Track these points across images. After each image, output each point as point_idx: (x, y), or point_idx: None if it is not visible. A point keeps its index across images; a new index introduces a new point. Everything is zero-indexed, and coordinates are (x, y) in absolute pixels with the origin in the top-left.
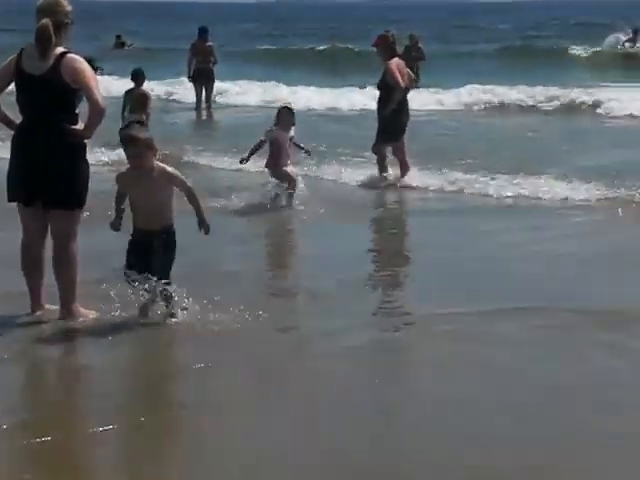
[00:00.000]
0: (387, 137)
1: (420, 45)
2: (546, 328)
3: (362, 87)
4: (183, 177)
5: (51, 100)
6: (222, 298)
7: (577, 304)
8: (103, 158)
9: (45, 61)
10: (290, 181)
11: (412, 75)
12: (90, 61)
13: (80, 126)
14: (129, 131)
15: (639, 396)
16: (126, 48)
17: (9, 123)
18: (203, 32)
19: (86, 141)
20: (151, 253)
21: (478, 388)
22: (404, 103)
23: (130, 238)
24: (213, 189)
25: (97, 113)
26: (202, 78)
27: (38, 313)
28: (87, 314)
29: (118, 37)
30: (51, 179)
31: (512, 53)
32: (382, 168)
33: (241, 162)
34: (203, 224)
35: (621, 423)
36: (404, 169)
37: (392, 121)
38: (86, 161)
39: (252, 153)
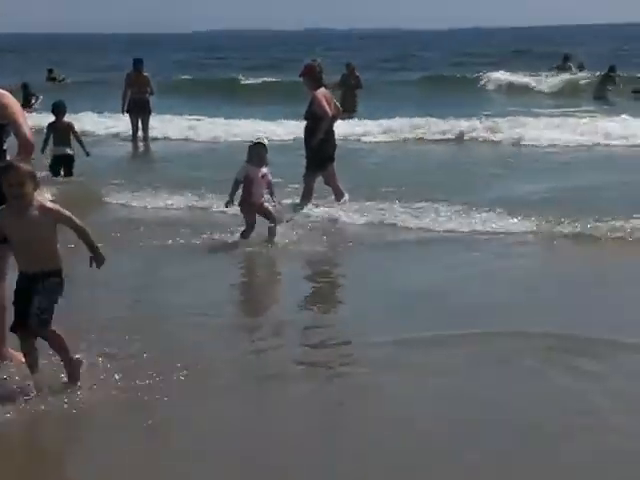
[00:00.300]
0: (316, 166)
1: (357, 73)
2: (481, 354)
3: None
4: (66, 212)
5: None
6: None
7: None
8: None
9: None
10: (268, 215)
11: (338, 105)
12: (26, 87)
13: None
14: (10, 161)
15: (569, 415)
16: (57, 82)
17: None
18: (138, 63)
19: None
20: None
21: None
22: (331, 132)
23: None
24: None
25: (26, 148)
26: (137, 109)
27: None
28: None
29: (50, 71)
30: None
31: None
32: (305, 197)
33: (226, 206)
34: (97, 258)
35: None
36: (338, 195)
37: (320, 150)
38: None
39: (232, 195)
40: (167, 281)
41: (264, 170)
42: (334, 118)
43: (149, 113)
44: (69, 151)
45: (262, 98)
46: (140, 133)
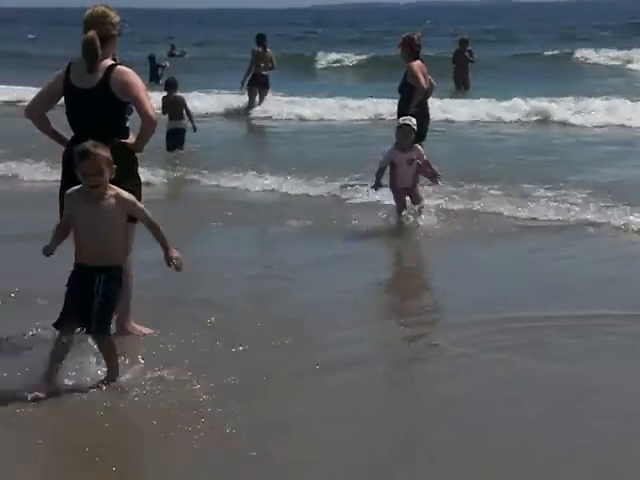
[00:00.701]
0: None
1: (470, 48)
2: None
3: None
4: (140, 204)
5: (101, 114)
6: None
7: None
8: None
9: (93, 75)
10: (414, 199)
11: (432, 81)
12: (152, 59)
13: (131, 139)
14: (88, 146)
15: None
16: (177, 57)
17: (60, 139)
18: (262, 38)
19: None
20: (91, 298)
21: None
22: (425, 105)
23: (69, 277)
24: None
25: (149, 126)
26: (258, 84)
27: None
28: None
29: (172, 47)
30: None
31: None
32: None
33: (374, 189)
34: (171, 259)
35: None
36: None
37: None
38: (138, 175)
39: (378, 179)
40: (317, 263)
41: (412, 154)
42: (428, 92)
43: (268, 88)
44: (181, 125)
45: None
46: (258, 108)
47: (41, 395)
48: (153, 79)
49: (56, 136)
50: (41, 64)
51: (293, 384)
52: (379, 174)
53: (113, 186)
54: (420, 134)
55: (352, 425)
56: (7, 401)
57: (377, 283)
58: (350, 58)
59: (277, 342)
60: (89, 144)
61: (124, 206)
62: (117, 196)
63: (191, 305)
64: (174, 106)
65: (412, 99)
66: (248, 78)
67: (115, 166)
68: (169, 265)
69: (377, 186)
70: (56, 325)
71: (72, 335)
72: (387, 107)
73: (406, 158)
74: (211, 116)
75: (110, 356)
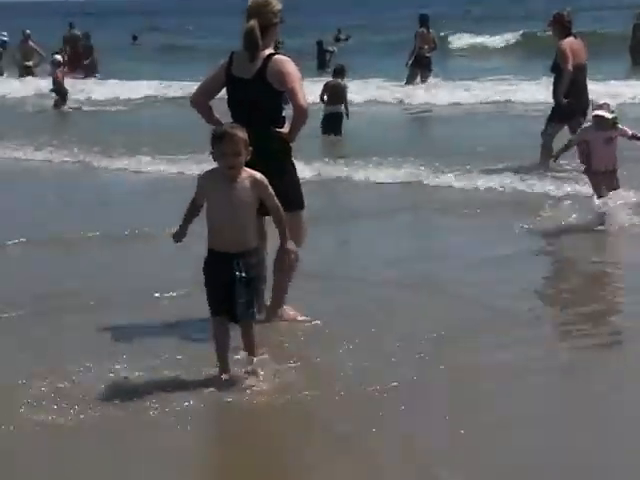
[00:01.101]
0: (558, 118)
1: None
2: None
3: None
4: (271, 190)
5: (259, 103)
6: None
7: None
8: None
9: (253, 64)
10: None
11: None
12: (320, 44)
13: (286, 128)
14: (226, 127)
15: None
16: (342, 42)
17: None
18: (425, 20)
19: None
20: (232, 284)
21: None
22: (579, 83)
23: (205, 264)
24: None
25: (300, 116)
26: (420, 65)
27: None
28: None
29: (339, 31)
30: None
31: None
32: (543, 156)
33: (554, 160)
34: (286, 252)
35: None
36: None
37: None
38: (292, 163)
39: (558, 153)
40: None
41: (609, 133)
42: (581, 69)
43: (430, 71)
44: (338, 109)
45: None
46: (421, 85)
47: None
48: (321, 66)
49: (218, 124)
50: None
51: None
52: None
53: (246, 168)
54: (569, 112)
55: None
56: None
57: None
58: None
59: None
60: (227, 125)
61: (258, 189)
62: (251, 177)
63: None
64: (334, 91)
65: (560, 82)
66: (411, 60)
67: (250, 148)
68: (283, 258)
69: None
70: (213, 313)
71: (228, 321)
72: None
73: (604, 136)
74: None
75: (251, 343)
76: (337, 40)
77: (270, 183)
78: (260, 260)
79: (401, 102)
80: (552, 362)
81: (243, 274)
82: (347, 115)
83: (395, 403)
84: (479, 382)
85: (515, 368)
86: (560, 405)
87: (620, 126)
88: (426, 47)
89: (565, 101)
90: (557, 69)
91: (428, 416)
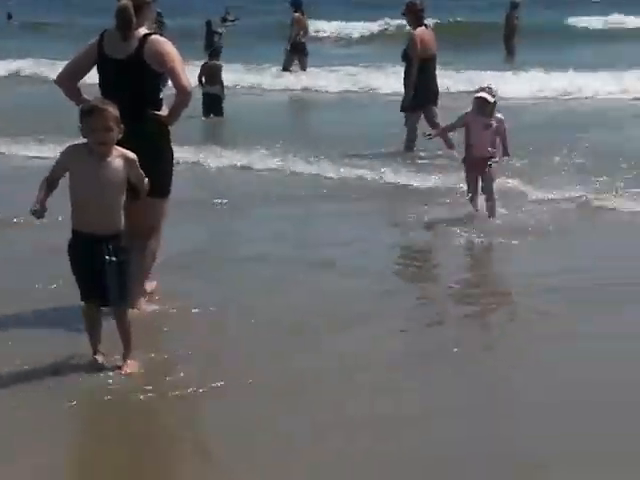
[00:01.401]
0: (415, 106)
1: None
2: None
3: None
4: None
5: (135, 85)
6: None
7: None
8: None
9: (127, 44)
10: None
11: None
12: (209, 25)
13: (164, 111)
14: (96, 101)
15: None
16: (229, 24)
17: None
18: (299, 3)
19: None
20: (102, 268)
21: None
22: (428, 72)
23: (69, 247)
24: None
25: (183, 97)
26: (298, 51)
27: None
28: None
29: (227, 12)
30: None
31: None
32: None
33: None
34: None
35: None
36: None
37: (418, 91)
38: (170, 148)
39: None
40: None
41: (492, 120)
42: (430, 59)
43: (306, 56)
44: (214, 90)
45: None
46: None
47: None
48: (209, 48)
49: None
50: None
51: None
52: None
53: (117, 147)
54: (423, 100)
55: None
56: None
57: None
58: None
59: None
60: (97, 100)
61: (129, 168)
62: (123, 156)
63: None
64: (211, 72)
65: (410, 71)
66: (289, 45)
67: (122, 126)
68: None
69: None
70: (83, 298)
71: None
72: None
73: (484, 122)
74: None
75: (127, 332)
76: (224, 21)
77: (142, 167)
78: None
79: (284, 88)
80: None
81: (113, 258)
82: (223, 96)
83: (291, 394)
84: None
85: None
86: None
87: (499, 115)
88: (301, 32)
89: (412, 93)
90: (407, 58)
91: (326, 405)
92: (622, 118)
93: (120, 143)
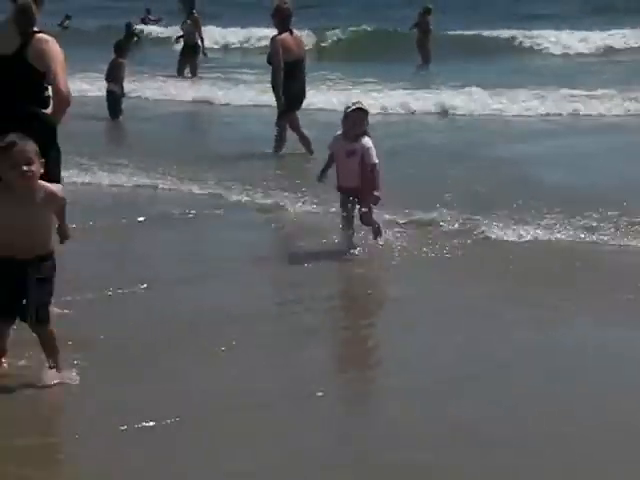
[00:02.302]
0: (286, 110)
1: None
2: None
3: None
4: (63, 199)
5: (19, 82)
6: None
7: None
8: None
9: (12, 41)
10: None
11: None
12: (129, 27)
13: (49, 110)
14: (12, 138)
15: None
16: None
17: None
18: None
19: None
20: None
21: None
22: (296, 75)
23: None
24: None
25: (60, 101)
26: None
27: None
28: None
29: (147, 12)
30: None
31: None
32: (278, 142)
33: (318, 180)
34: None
35: None
36: (304, 140)
37: (287, 94)
38: (57, 147)
39: (324, 169)
40: None
41: (355, 145)
42: (298, 61)
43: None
44: (110, 87)
45: None
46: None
47: None
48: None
49: None
50: None
51: None
52: (327, 164)
53: (41, 182)
54: (294, 102)
55: None
56: None
57: None
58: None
59: None
60: (14, 135)
61: (55, 202)
62: (48, 191)
63: None
64: (112, 69)
65: (272, 76)
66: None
67: (43, 160)
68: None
69: (320, 177)
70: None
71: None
72: None
73: (346, 149)
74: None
75: (53, 347)
76: (145, 22)
77: None
78: (54, 262)
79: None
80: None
81: (38, 276)
82: (123, 93)
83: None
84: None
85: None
86: None
87: (366, 141)
88: (196, 33)
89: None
90: (271, 63)
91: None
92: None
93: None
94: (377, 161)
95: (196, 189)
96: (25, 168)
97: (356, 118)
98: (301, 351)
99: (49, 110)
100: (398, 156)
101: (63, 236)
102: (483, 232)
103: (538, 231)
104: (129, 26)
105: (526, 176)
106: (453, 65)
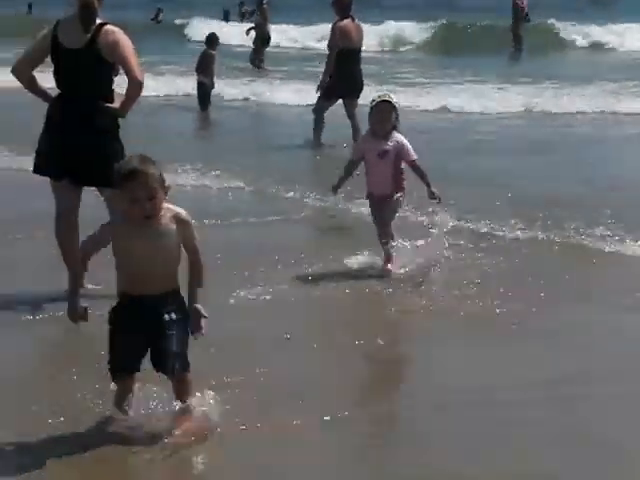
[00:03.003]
0: (327, 96)
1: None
2: None
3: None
4: (194, 231)
5: (88, 75)
6: None
7: None
8: None
9: (82, 34)
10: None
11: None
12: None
13: (116, 104)
14: (134, 161)
15: None
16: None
17: (45, 97)
18: None
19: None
20: (157, 330)
21: None
22: (348, 65)
23: (114, 309)
24: None
25: (135, 87)
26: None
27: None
28: None
29: (241, 3)
30: (82, 157)
31: None
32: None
33: (333, 192)
34: (196, 315)
35: None
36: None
37: (334, 82)
38: (119, 140)
39: (341, 179)
40: None
41: (389, 145)
42: (350, 50)
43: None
44: (200, 79)
45: None
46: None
47: None
48: None
49: (44, 95)
50: None
51: None
52: (346, 170)
53: (170, 205)
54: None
55: None
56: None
57: None
58: None
59: None
60: (136, 160)
61: (182, 229)
62: (175, 217)
63: None
64: (203, 61)
65: (329, 60)
66: None
67: (168, 185)
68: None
69: (335, 189)
70: (122, 371)
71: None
72: None
73: (377, 150)
74: None
75: (188, 394)
76: (242, 16)
77: (94, 159)
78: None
79: None
80: None
81: (173, 316)
82: (213, 85)
83: None
84: None
85: None
86: None
87: (398, 137)
88: (266, 25)
89: (327, 80)
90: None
91: None
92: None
93: (70, 132)
94: (417, 157)
95: None
96: (148, 206)
97: (383, 111)
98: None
99: (117, 103)
100: None
101: (194, 314)
102: None
103: None
104: (227, 13)
105: None
106: None
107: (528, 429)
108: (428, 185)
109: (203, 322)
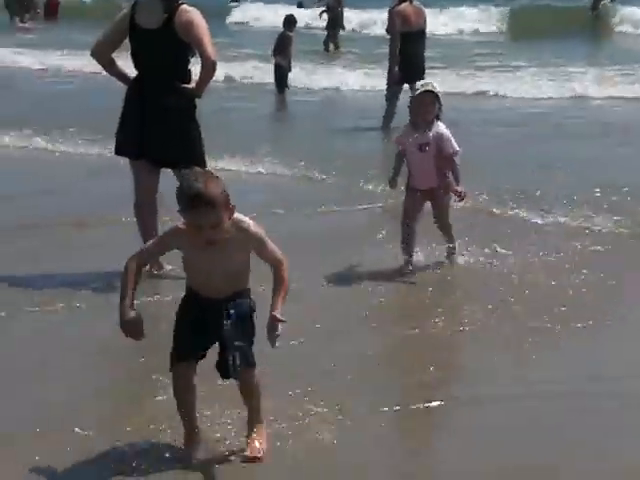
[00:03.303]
0: (397, 83)
1: None
2: None
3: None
4: (269, 242)
5: (165, 55)
6: None
7: None
8: None
9: (159, 15)
10: (439, 218)
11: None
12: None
13: (192, 84)
14: (195, 184)
15: None
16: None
17: (124, 79)
18: None
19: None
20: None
21: None
22: (411, 49)
23: (182, 299)
24: None
25: (209, 68)
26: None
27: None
28: None
29: None
30: (160, 138)
31: None
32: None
33: (390, 186)
34: (274, 328)
35: None
36: None
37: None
38: (196, 121)
39: (396, 171)
40: None
41: (429, 136)
42: (412, 33)
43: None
44: (277, 61)
45: None
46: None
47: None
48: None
49: (122, 77)
50: None
51: None
52: (396, 164)
53: (237, 217)
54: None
55: None
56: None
57: None
58: None
59: None
60: (201, 180)
61: (251, 244)
62: (242, 233)
63: None
64: (279, 42)
65: (390, 49)
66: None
67: (233, 205)
68: (269, 335)
69: (392, 183)
70: (178, 358)
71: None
72: None
73: (417, 142)
74: None
75: (257, 395)
76: (300, 6)
77: (171, 140)
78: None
79: None
80: None
81: (232, 312)
82: (290, 67)
83: None
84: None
85: None
86: None
87: (439, 128)
88: (339, 8)
89: (396, 68)
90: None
91: None
92: None
93: (148, 113)
94: (459, 149)
95: None
96: (211, 232)
97: (423, 102)
98: None
99: (192, 83)
100: None
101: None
102: None
103: None
104: (300, 4)
105: None
106: None
107: None
108: (457, 182)
109: (280, 327)
